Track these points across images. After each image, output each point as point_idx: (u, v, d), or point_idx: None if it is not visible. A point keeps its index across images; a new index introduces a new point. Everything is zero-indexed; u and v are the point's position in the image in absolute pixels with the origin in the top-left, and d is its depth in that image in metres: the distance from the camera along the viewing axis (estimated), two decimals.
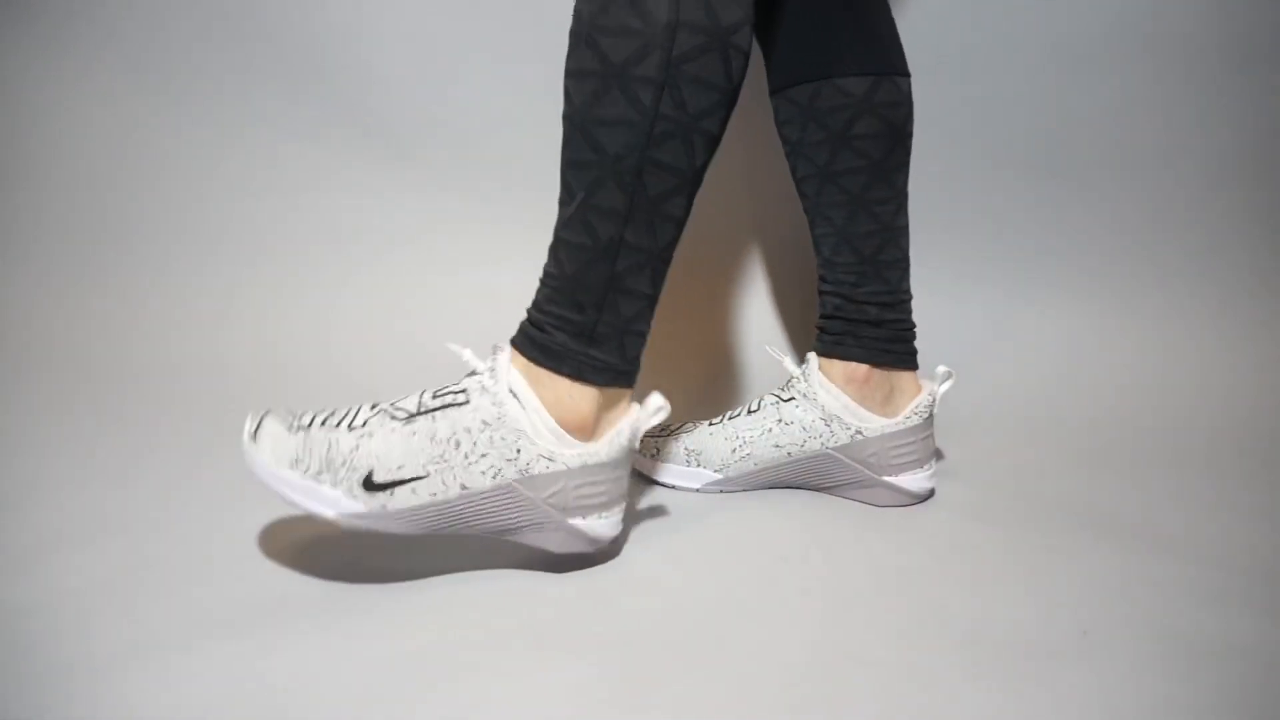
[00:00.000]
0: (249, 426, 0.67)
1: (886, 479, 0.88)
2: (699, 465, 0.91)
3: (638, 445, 0.74)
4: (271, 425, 0.67)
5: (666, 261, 0.72)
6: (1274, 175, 1.20)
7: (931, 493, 0.91)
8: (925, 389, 0.90)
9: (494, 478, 0.67)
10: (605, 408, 0.72)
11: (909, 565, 0.77)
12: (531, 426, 0.68)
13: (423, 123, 1.24)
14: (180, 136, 1.26)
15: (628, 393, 0.74)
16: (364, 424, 0.67)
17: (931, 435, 0.90)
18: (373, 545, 0.77)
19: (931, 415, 0.90)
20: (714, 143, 0.70)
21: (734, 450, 0.90)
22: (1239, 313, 1.23)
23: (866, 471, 0.89)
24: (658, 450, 0.92)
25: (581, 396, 0.70)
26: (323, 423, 0.68)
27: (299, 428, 0.67)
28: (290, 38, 1.22)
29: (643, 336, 0.73)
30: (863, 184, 0.86)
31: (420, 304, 1.26)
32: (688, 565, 0.76)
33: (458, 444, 0.67)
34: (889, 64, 0.86)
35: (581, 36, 0.67)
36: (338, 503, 0.65)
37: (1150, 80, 1.18)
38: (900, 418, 0.88)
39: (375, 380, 1.17)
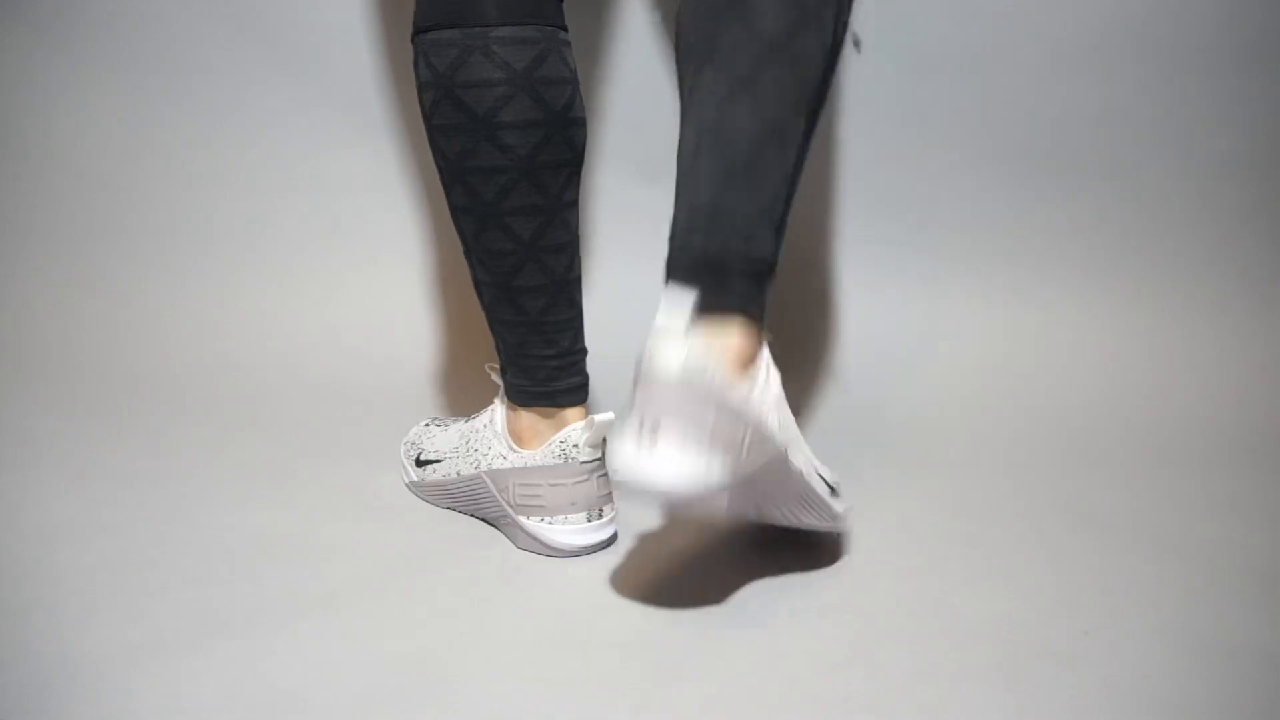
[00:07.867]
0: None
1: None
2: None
3: (581, 457, 0.75)
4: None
5: (523, 292, 0.75)
6: (1275, 175, 1.20)
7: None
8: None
9: (474, 468, 0.81)
10: (556, 424, 0.78)
11: (909, 565, 0.77)
12: (497, 434, 0.80)
13: (419, 119, 1.24)
14: (174, 133, 1.25)
15: (579, 410, 0.79)
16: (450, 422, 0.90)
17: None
18: (373, 546, 0.77)
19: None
20: (494, 175, 0.72)
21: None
22: (1238, 312, 1.23)
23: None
24: None
25: (514, 414, 0.80)
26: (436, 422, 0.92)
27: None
28: (287, 35, 1.22)
29: (545, 361, 0.77)
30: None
31: (421, 300, 1.26)
32: (688, 566, 0.76)
33: (467, 441, 0.83)
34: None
35: None
36: (409, 472, 0.88)
37: (1150, 79, 1.18)
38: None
39: (376, 377, 1.17)
